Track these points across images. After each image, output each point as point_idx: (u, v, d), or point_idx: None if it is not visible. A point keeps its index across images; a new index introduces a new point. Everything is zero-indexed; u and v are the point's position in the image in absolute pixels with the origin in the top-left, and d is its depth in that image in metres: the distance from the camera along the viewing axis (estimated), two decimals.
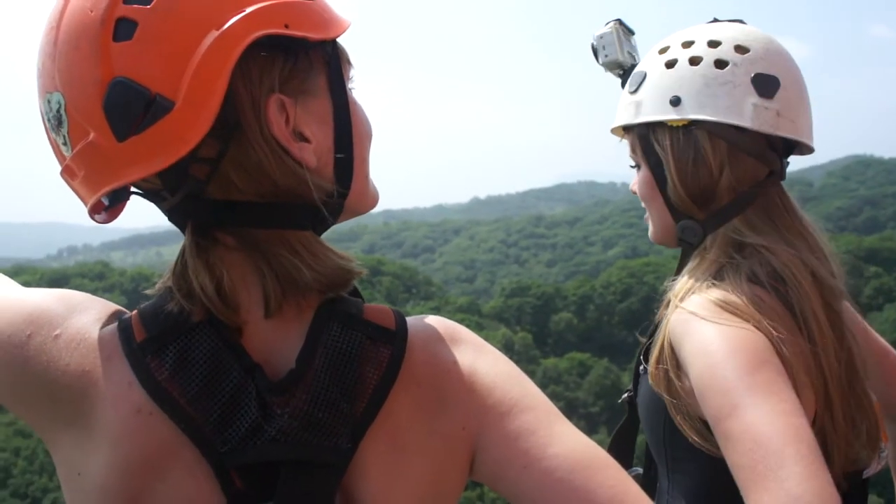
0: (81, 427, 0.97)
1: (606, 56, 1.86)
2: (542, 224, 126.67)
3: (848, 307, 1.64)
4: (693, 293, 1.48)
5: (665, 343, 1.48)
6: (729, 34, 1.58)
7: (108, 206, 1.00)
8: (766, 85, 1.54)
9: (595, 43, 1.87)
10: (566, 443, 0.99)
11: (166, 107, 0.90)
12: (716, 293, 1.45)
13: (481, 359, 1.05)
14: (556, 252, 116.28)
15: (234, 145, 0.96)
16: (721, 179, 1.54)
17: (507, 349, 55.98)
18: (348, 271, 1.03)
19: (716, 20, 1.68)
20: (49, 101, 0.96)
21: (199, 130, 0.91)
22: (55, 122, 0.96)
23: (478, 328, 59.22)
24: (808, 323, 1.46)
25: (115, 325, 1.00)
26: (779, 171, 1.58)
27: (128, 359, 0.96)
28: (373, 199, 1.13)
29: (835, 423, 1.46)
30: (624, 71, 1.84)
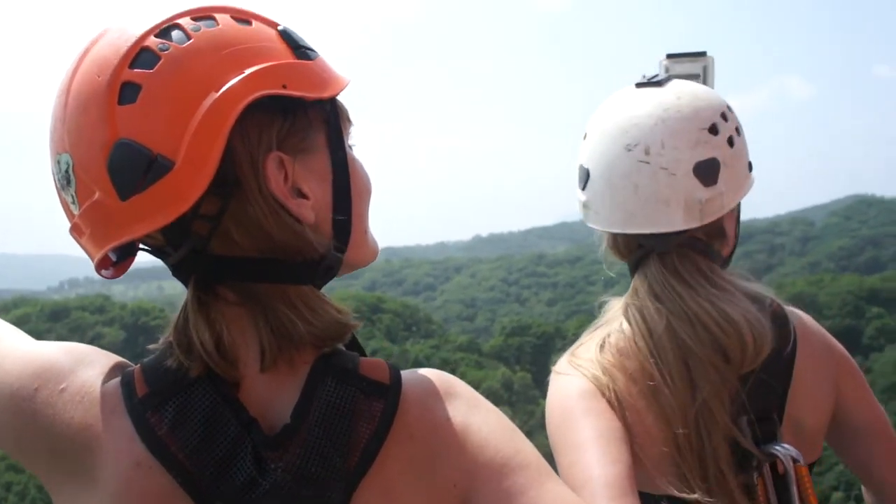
0: (84, 479, 1.00)
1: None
2: (544, 262, 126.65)
3: (842, 365, 1.69)
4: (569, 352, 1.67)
5: None
6: (593, 117, 1.67)
7: (115, 262, 1.05)
8: (581, 177, 1.66)
9: (709, 65, 1.87)
10: (556, 503, 1.00)
11: (167, 166, 0.93)
12: (569, 355, 1.63)
13: (475, 414, 1.06)
14: (557, 291, 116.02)
15: (234, 202, 0.99)
16: (606, 251, 1.71)
17: (507, 389, 55.71)
18: (344, 325, 1.06)
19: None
20: (59, 162, 0.99)
21: (197, 189, 0.94)
22: (64, 181, 0.99)
23: (477, 367, 58.96)
24: (647, 373, 1.53)
25: (118, 379, 1.03)
26: (648, 245, 1.61)
27: (129, 413, 1.00)
28: (372, 254, 1.16)
29: (684, 471, 1.51)
30: None
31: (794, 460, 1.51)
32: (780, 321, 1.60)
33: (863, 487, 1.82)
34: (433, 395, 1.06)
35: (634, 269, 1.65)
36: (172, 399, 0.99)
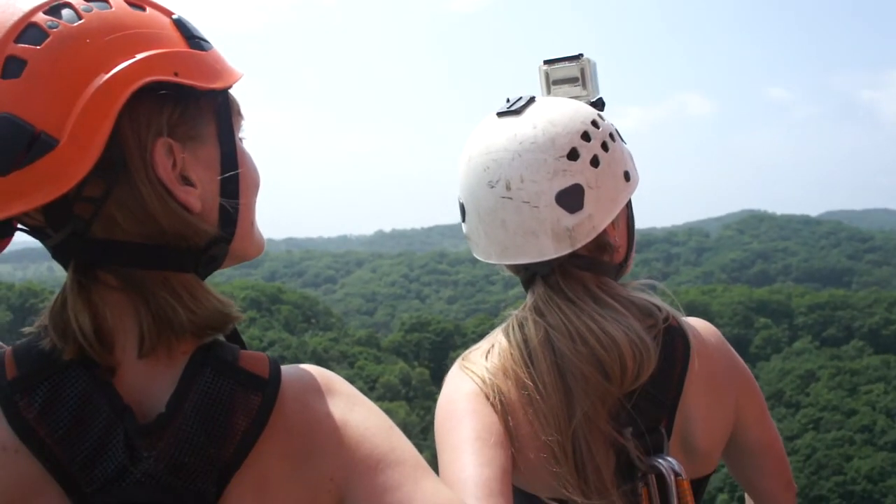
0: None
1: (591, 85, 1.83)
2: (445, 261, 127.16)
3: (743, 384, 1.70)
4: None
5: None
6: (463, 149, 1.68)
7: None
8: (460, 211, 1.70)
9: (589, 66, 1.83)
10: (429, 498, 1.02)
11: (50, 144, 0.91)
12: (466, 355, 1.66)
13: (353, 411, 1.08)
14: (457, 289, 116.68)
15: (119, 186, 0.97)
16: (500, 267, 1.72)
17: (405, 384, 55.72)
18: (226, 315, 1.05)
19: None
20: None
21: (81, 168, 0.92)
22: None
23: (376, 361, 58.80)
24: (526, 383, 1.55)
25: None
26: (531, 268, 1.64)
27: None
28: (258, 246, 1.16)
29: (561, 478, 1.52)
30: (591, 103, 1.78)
31: (676, 474, 1.52)
32: (675, 337, 1.60)
33: (746, 497, 1.87)
34: (312, 391, 1.07)
35: (525, 286, 1.68)
36: (43, 383, 0.97)
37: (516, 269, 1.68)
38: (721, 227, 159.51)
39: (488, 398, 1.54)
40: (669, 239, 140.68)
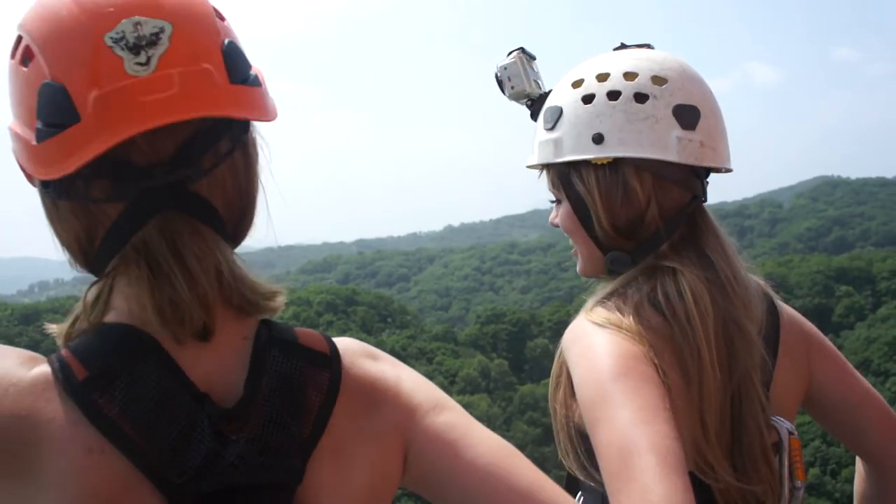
0: (22, 475, 0.93)
1: (513, 88, 1.77)
2: (516, 250, 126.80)
3: (813, 344, 1.65)
4: (591, 308, 1.49)
5: (558, 356, 1.52)
6: (644, 65, 1.55)
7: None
8: (687, 116, 1.52)
9: (499, 74, 1.77)
10: (486, 438, 1.10)
11: (260, 83, 1.06)
12: (605, 309, 1.45)
13: (402, 370, 1.16)
14: (530, 278, 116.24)
15: (239, 153, 1.06)
16: (648, 211, 1.53)
17: (484, 376, 55.74)
18: (277, 293, 1.10)
19: (623, 46, 1.66)
20: (139, 24, 0.96)
21: (275, 111, 1.08)
22: (139, 42, 0.96)
23: (454, 356, 58.90)
24: (688, 345, 1.43)
25: (44, 367, 0.97)
26: (701, 195, 1.56)
27: (72, 398, 0.94)
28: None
29: (712, 454, 1.43)
30: (532, 101, 1.77)
31: (790, 433, 1.49)
32: (767, 298, 1.59)
33: (857, 469, 1.77)
34: (364, 356, 1.14)
35: (672, 230, 1.55)
36: (119, 378, 0.95)
37: (681, 199, 1.56)
38: (794, 195, 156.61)
39: (654, 363, 1.36)
40: (741, 212, 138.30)
